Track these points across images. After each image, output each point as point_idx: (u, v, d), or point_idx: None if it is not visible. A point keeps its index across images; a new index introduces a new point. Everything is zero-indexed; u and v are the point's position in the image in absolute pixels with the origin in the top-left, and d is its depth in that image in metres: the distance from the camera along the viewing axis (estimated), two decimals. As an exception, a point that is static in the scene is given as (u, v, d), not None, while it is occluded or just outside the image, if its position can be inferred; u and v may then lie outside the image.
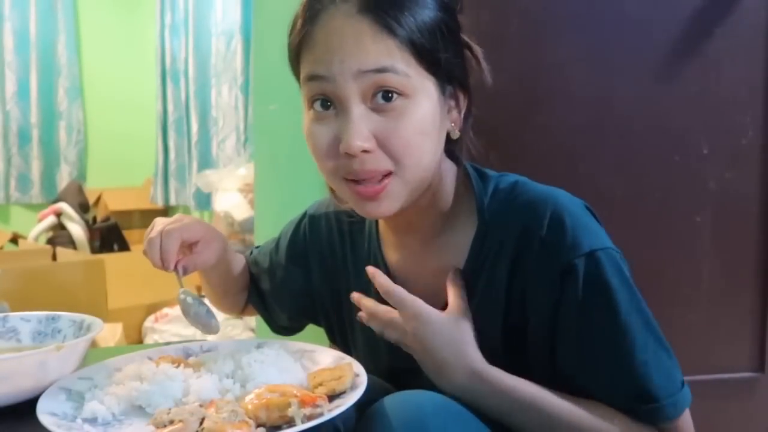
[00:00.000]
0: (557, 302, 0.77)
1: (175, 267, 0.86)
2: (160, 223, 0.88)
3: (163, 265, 0.86)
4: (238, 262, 1.06)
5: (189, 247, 0.90)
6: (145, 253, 0.87)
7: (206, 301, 0.96)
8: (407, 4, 0.76)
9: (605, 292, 0.76)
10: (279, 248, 1.06)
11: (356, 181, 0.78)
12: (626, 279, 0.77)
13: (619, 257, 0.78)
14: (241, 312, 1.12)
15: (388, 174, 0.77)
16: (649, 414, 0.76)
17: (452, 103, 0.83)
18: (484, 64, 0.85)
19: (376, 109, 0.76)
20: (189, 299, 0.88)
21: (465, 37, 0.85)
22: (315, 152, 0.80)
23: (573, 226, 0.77)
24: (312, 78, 0.77)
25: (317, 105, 0.78)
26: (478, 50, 0.85)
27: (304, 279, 1.02)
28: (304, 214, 1.05)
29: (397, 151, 0.76)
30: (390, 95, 0.75)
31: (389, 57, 0.74)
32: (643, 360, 0.75)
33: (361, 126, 0.75)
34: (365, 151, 0.75)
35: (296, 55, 0.81)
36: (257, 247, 1.12)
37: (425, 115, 0.77)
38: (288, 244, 1.04)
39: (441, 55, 0.78)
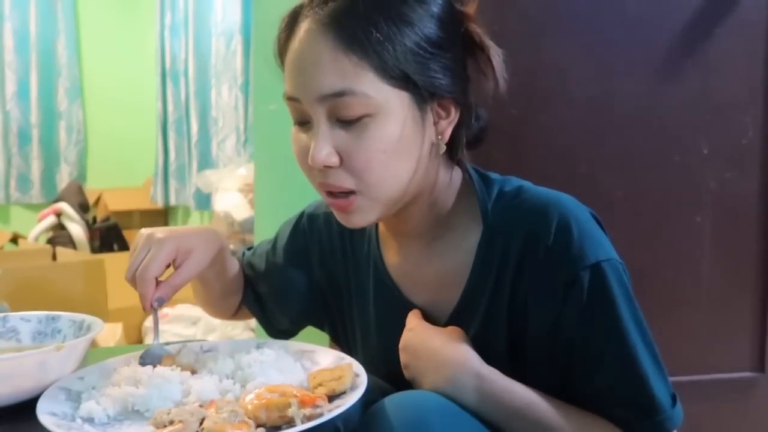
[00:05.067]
0: (559, 312, 0.77)
1: (151, 306, 0.84)
2: (133, 259, 0.85)
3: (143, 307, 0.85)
4: (233, 265, 1.03)
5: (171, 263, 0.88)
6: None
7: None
8: (374, 17, 0.74)
9: (608, 305, 0.75)
10: (276, 250, 1.04)
11: (330, 192, 0.79)
12: (628, 292, 0.77)
13: (622, 269, 0.77)
14: (232, 316, 1.09)
15: (353, 192, 0.78)
16: (649, 428, 0.75)
17: (442, 112, 0.81)
18: (498, 67, 0.81)
19: (342, 126, 0.76)
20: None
21: (481, 38, 0.82)
22: (296, 160, 0.83)
23: (579, 236, 0.76)
24: (287, 97, 0.80)
25: (295, 120, 0.81)
26: (493, 51, 0.82)
27: (306, 279, 1.01)
28: (302, 214, 1.04)
29: (357, 169, 0.76)
30: (352, 115, 0.75)
31: (345, 79, 0.74)
32: (645, 373, 0.75)
33: (323, 143, 0.76)
34: (328, 167, 0.77)
35: (281, 62, 0.82)
36: (249, 249, 1.10)
37: (390, 134, 0.76)
38: (286, 244, 1.03)
39: (413, 70, 0.75)
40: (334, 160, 0.76)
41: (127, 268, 0.86)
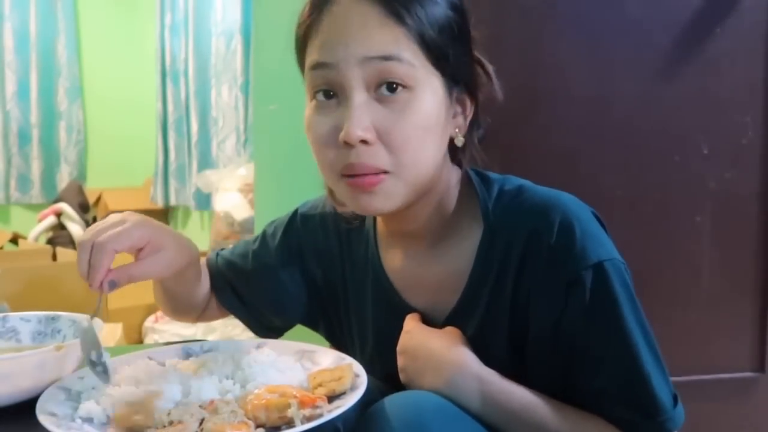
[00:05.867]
0: (561, 312, 0.76)
1: (101, 285, 0.75)
2: (98, 226, 0.78)
3: (88, 282, 0.75)
4: (202, 279, 0.98)
5: (136, 251, 0.80)
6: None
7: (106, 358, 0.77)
8: None
9: (611, 304, 0.75)
10: (268, 250, 1.01)
11: (352, 176, 0.76)
12: (630, 292, 0.76)
13: (624, 269, 0.77)
14: (196, 320, 1.05)
15: (384, 172, 0.75)
16: (650, 428, 0.75)
17: (458, 108, 0.81)
18: (495, 79, 0.84)
19: (379, 100, 0.74)
20: (86, 331, 0.77)
21: (476, 53, 0.84)
22: (314, 143, 0.78)
23: (582, 235, 0.76)
24: (316, 66, 0.76)
25: (320, 95, 0.77)
26: (489, 67, 0.84)
27: (301, 279, 0.99)
28: (295, 213, 1.02)
29: (396, 145, 0.74)
30: (394, 86, 0.74)
31: (395, 45, 0.73)
32: (647, 373, 0.74)
33: (362, 114, 0.73)
34: (364, 142, 0.73)
35: (303, 44, 0.80)
36: (222, 250, 1.06)
37: (429, 111, 0.75)
38: (279, 244, 1.00)
39: (450, 51, 0.76)
40: (371, 135, 0.73)
41: (87, 231, 0.77)
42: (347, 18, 0.74)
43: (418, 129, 0.75)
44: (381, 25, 0.73)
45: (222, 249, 1.07)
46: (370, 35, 0.73)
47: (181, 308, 1.01)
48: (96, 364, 0.76)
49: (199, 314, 1.04)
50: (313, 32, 0.78)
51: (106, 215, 0.83)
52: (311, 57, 0.77)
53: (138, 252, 0.80)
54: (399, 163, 0.75)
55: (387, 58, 0.73)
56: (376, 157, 0.74)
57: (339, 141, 0.74)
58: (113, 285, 0.76)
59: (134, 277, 0.79)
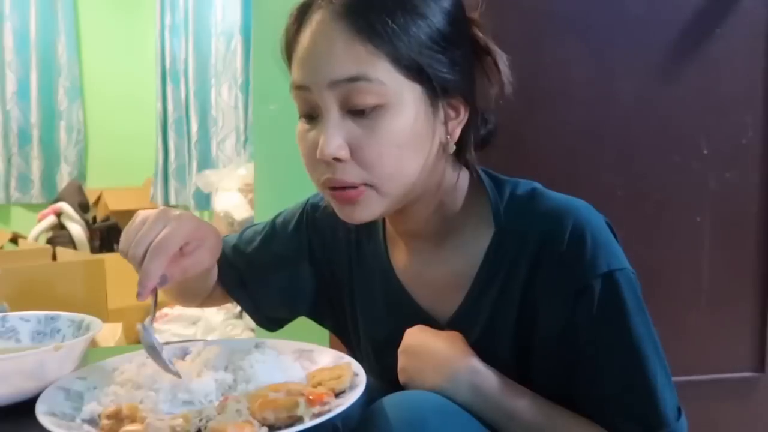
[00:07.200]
0: (569, 320, 0.76)
1: (154, 289, 0.77)
2: (145, 231, 0.77)
3: (140, 288, 0.76)
4: None
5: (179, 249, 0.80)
6: (122, 253, 0.78)
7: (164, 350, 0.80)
8: (390, 8, 0.74)
9: (620, 314, 0.75)
10: (279, 238, 1.01)
11: (334, 187, 0.77)
12: (640, 302, 0.76)
13: (634, 278, 0.76)
14: (201, 304, 1.04)
15: (365, 185, 0.76)
16: None
17: (451, 113, 0.80)
18: (505, 71, 0.82)
19: (352, 117, 0.74)
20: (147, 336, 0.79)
21: (487, 43, 0.82)
22: (302, 158, 0.80)
23: (593, 244, 0.76)
24: (295, 87, 0.78)
25: (303, 113, 0.79)
26: (499, 56, 0.82)
27: (309, 270, 0.99)
28: (306, 203, 1.02)
29: (368, 162, 0.75)
30: (366, 103, 0.74)
31: (360, 64, 0.73)
32: (654, 385, 0.74)
33: (334, 134, 0.74)
34: (338, 160, 0.74)
35: (288, 54, 0.81)
36: (227, 236, 1.04)
37: (404, 126, 0.75)
38: (290, 235, 1.00)
39: (427, 63, 0.75)
40: (344, 152, 0.74)
41: (130, 240, 0.77)
42: (317, 40, 0.75)
43: (391, 145, 0.75)
44: (347, 46, 0.73)
45: (226, 235, 1.05)
46: (337, 57, 0.73)
47: (190, 292, 1.00)
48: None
49: (204, 298, 1.03)
50: (293, 47, 0.79)
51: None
52: (292, 75, 0.79)
53: (183, 246, 0.80)
54: (375, 177, 0.76)
55: (353, 79, 0.73)
56: (352, 173, 0.75)
57: (317, 159, 0.76)
58: (165, 280, 0.77)
59: (187, 271, 0.81)
